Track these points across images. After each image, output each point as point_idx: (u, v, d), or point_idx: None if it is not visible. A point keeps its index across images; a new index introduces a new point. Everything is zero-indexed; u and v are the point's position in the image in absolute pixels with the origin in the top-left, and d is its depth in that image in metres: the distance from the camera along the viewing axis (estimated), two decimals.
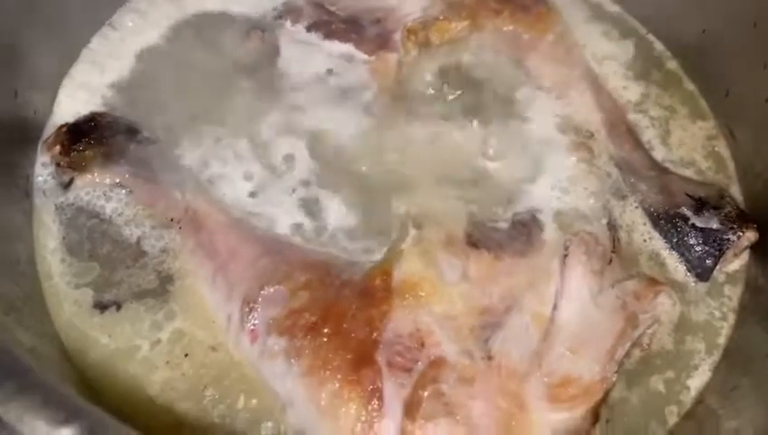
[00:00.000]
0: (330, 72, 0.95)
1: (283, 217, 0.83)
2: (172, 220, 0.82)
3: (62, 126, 0.85)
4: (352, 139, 0.89)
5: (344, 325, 0.70)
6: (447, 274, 0.76)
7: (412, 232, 0.80)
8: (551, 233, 0.82)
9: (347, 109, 0.91)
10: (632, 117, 0.95)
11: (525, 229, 0.82)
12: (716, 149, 0.92)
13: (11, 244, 0.76)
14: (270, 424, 0.71)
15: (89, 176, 0.83)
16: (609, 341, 0.73)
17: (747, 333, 0.79)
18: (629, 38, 1.02)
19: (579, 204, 0.84)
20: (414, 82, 0.94)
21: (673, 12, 0.99)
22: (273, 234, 0.82)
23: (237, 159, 0.87)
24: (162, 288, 0.79)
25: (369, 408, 0.66)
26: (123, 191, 0.83)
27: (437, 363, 0.69)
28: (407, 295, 0.73)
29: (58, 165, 0.83)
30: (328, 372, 0.68)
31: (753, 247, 0.83)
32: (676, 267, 0.83)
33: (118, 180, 0.83)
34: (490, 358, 0.70)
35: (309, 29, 0.98)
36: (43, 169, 0.84)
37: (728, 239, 0.80)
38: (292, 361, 0.70)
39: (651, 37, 1.02)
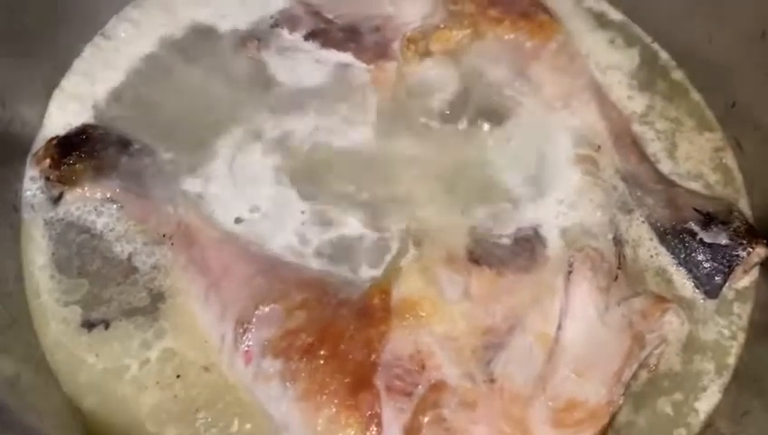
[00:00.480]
0: (328, 81, 0.92)
1: (279, 234, 0.81)
2: (164, 236, 0.79)
3: (51, 139, 0.83)
4: (351, 151, 0.86)
5: (341, 347, 0.68)
6: (448, 292, 0.74)
7: (411, 248, 0.78)
8: (555, 249, 0.80)
9: (345, 120, 0.89)
10: (637, 129, 0.92)
11: (529, 245, 0.80)
12: (724, 161, 0.90)
13: None
14: None
15: (79, 190, 0.81)
16: (616, 362, 0.71)
17: (758, 353, 0.76)
18: (634, 47, 0.99)
19: (584, 219, 0.82)
20: (414, 92, 0.91)
21: (678, 21, 0.96)
22: (267, 250, 0.79)
23: (231, 174, 0.84)
24: (153, 306, 0.76)
25: (368, 434, 0.64)
26: (114, 206, 0.81)
27: (438, 387, 0.66)
28: (406, 315, 0.71)
29: (47, 179, 0.81)
30: (324, 397, 0.65)
31: (764, 263, 0.80)
32: (684, 284, 0.81)
33: (109, 195, 0.81)
34: (492, 381, 0.68)
35: (306, 38, 0.95)
36: (31, 184, 0.82)
37: (737, 255, 0.78)
38: (288, 384, 0.67)
39: (656, 46, 0.99)
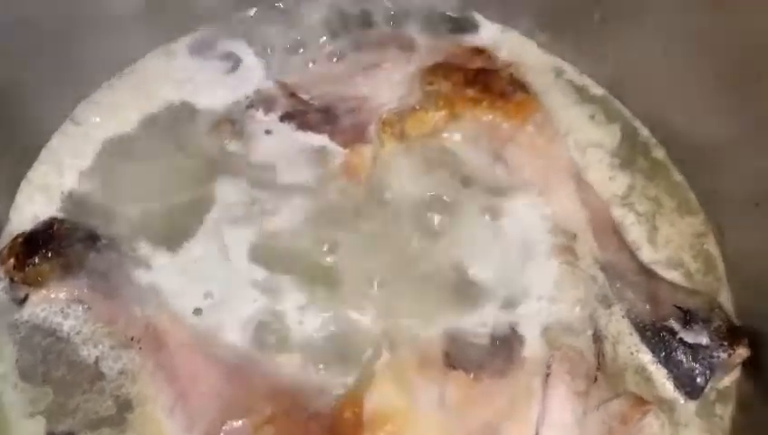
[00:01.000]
0: (303, 164, 0.90)
1: (245, 329, 0.79)
2: (132, 339, 0.78)
3: (16, 236, 0.81)
4: (323, 240, 0.84)
5: None
6: (423, 401, 0.72)
7: (385, 351, 0.76)
8: (533, 347, 0.79)
9: (318, 207, 0.87)
10: (617, 212, 0.90)
11: (506, 345, 0.79)
12: (705, 247, 0.89)
13: None
14: None
15: (45, 291, 0.79)
16: None
17: None
18: (615, 123, 0.98)
19: (564, 314, 0.80)
20: (389, 177, 0.90)
21: (660, 97, 0.95)
22: (236, 353, 0.77)
23: (198, 266, 0.82)
24: (120, 416, 0.74)
25: None
26: (81, 308, 0.79)
27: None
28: (378, 431, 0.69)
29: (12, 280, 0.79)
30: None
31: (745, 362, 0.78)
32: (664, 384, 0.79)
33: (76, 295, 0.79)
34: None
35: (282, 119, 0.94)
36: None
37: (718, 357, 0.76)
38: None
39: (638, 123, 0.98)
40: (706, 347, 0.77)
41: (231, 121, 0.93)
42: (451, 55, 0.98)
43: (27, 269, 0.79)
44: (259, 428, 0.70)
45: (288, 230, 0.86)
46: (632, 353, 0.81)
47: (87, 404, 0.75)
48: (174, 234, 0.85)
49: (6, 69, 0.80)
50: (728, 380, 0.79)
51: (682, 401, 0.78)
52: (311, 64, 0.98)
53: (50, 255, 0.80)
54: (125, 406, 0.75)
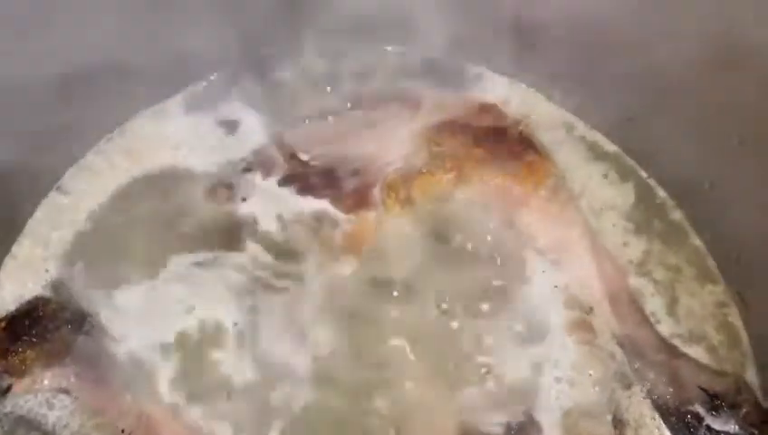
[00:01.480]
0: (303, 231, 0.85)
1: (249, 421, 0.73)
2: (123, 432, 0.72)
3: None
4: (325, 323, 0.79)
5: None
6: None
7: None
8: None
9: (320, 283, 0.82)
10: (635, 281, 0.86)
11: (522, 434, 0.73)
12: (729, 319, 0.84)
13: None
14: None
15: (29, 380, 0.74)
16: None
17: None
18: (629, 181, 0.94)
19: (582, 398, 0.77)
20: (395, 247, 0.84)
21: (674, 155, 0.90)
22: None
23: (200, 350, 0.77)
24: None
25: None
26: (68, 398, 0.73)
27: None
28: None
29: None
30: None
31: None
32: None
33: (62, 384, 0.74)
34: None
35: (281, 183, 0.89)
36: None
37: None
38: None
39: (652, 182, 0.93)
40: None
41: (228, 186, 0.88)
42: (458, 113, 0.94)
43: (10, 358, 0.74)
44: None
45: (286, 310, 0.80)
46: None
47: None
48: (167, 310, 0.80)
49: None
50: None
51: None
52: (311, 122, 0.94)
53: (35, 340, 0.75)
54: None
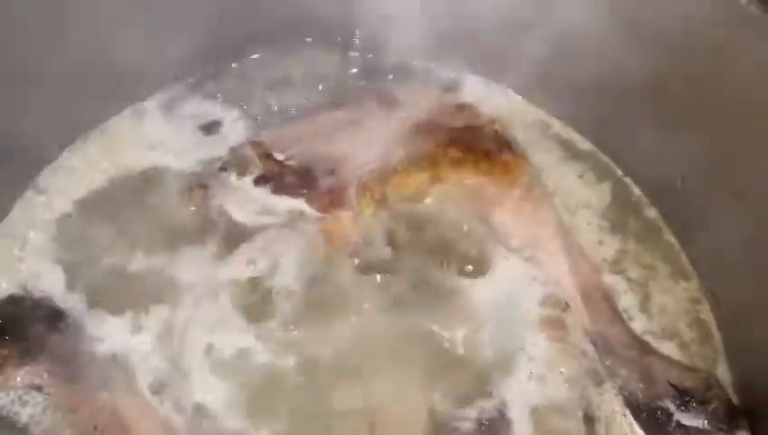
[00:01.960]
0: (277, 230, 0.86)
1: (224, 418, 0.73)
2: (96, 428, 0.73)
3: None
4: (298, 315, 0.79)
5: None
6: None
7: None
8: (521, 432, 0.74)
9: (293, 277, 0.82)
10: (608, 279, 0.87)
11: (493, 429, 0.75)
12: (701, 315, 0.85)
13: None
14: None
15: (1, 378, 0.74)
16: None
17: None
18: (605, 181, 0.95)
19: (553, 394, 0.77)
20: (369, 246, 0.85)
21: (649, 154, 0.91)
22: None
23: (170, 348, 0.78)
24: None
25: None
26: (41, 395, 0.74)
27: None
28: None
29: None
30: None
31: None
32: None
33: (35, 381, 0.74)
34: None
35: (257, 182, 0.89)
36: None
37: None
38: None
39: (628, 180, 0.94)
40: (704, 431, 0.74)
41: (203, 186, 0.88)
42: (433, 112, 0.94)
43: None
44: None
45: (259, 307, 0.81)
46: None
47: None
48: (142, 306, 0.80)
49: None
50: None
51: None
52: (287, 122, 0.94)
53: (7, 338, 0.75)
54: None
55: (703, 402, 0.75)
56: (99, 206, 0.87)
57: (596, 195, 0.93)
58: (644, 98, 0.88)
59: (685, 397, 0.76)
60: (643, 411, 0.77)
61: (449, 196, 0.88)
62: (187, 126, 0.93)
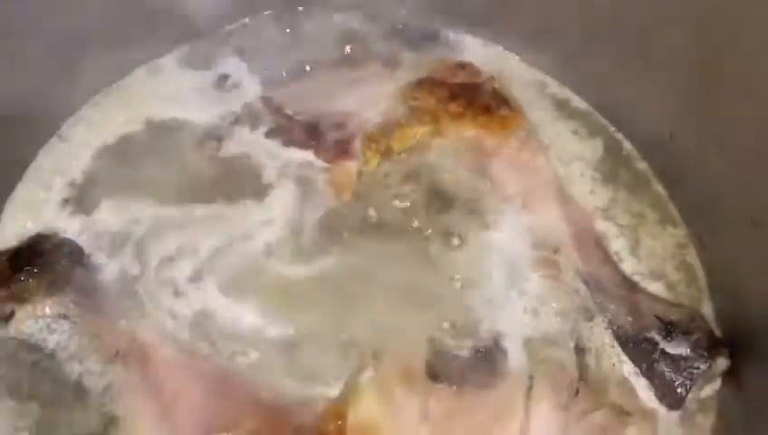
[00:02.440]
0: (287, 181, 0.91)
1: (234, 344, 0.78)
2: (117, 353, 0.78)
3: (2, 253, 0.81)
4: (307, 254, 0.85)
5: None
6: (407, 414, 0.73)
7: (370, 362, 0.77)
8: (516, 361, 0.79)
9: (303, 221, 0.87)
10: (600, 225, 0.91)
11: (488, 357, 0.79)
12: (687, 259, 0.89)
13: None
14: None
15: (31, 307, 0.79)
16: None
17: None
18: (597, 136, 0.99)
19: (546, 327, 0.81)
20: (373, 193, 0.90)
21: (640, 111, 0.96)
22: (222, 367, 0.77)
23: (188, 284, 0.83)
24: (105, 431, 0.75)
25: None
26: (67, 322, 0.79)
27: None
28: None
29: None
30: None
31: (726, 373, 0.79)
32: (647, 394, 0.79)
33: (62, 311, 0.79)
34: None
35: (268, 135, 0.95)
36: None
37: (699, 368, 0.77)
38: None
39: (620, 136, 0.99)
40: (687, 358, 0.78)
41: (217, 138, 0.93)
42: (434, 70, 0.99)
43: (13, 286, 0.79)
44: None
45: (271, 245, 0.86)
46: (614, 365, 0.81)
47: (73, 420, 0.75)
48: (159, 249, 0.85)
49: None
50: (709, 390, 0.80)
51: (664, 412, 0.79)
52: (296, 80, 0.99)
53: (36, 271, 0.80)
54: (111, 422, 0.75)
55: (686, 333, 0.79)
56: (117, 155, 0.92)
57: (589, 149, 0.98)
58: (634, 57, 0.92)
59: (670, 328, 0.80)
60: (630, 342, 0.81)
61: (449, 148, 0.93)
62: (202, 82, 0.98)
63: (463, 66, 1.00)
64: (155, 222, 0.87)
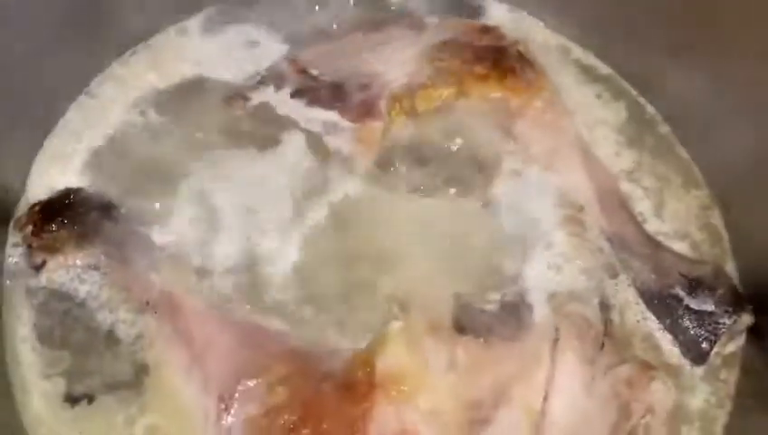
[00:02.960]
0: (313, 141, 0.91)
1: (264, 296, 0.80)
2: (147, 304, 0.79)
3: (34, 205, 0.82)
4: (336, 212, 0.86)
5: (324, 426, 0.68)
6: (434, 363, 0.74)
7: (397, 313, 0.77)
8: (541, 315, 0.80)
9: (330, 181, 0.88)
10: (625, 186, 0.92)
11: (515, 311, 0.80)
12: (711, 220, 0.90)
13: None
14: None
15: (62, 257, 0.80)
16: None
17: (744, 423, 0.76)
18: (621, 101, 0.99)
19: (571, 283, 0.82)
20: (400, 152, 0.91)
21: (663, 76, 0.96)
22: (251, 318, 0.78)
23: (218, 235, 0.84)
24: (137, 379, 0.76)
25: None
26: (97, 273, 0.80)
27: None
28: (391, 390, 0.70)
29: (30, 247, 0.80)
30: None
31: (750, 329, 0.80)
32: (671, 350, 0.80)
33: (92, 262, 0.80)
34: None
35: (293, 95, 0.95)
36: (13, 250, 0.81)
37: (723, 323, 0.78)
38: None
39: (643, 100, 0.99)
40: (711, 314, 0.79)
41: (243, 97, 0.94)
42: (460, 33, 0.99)
43: (44, 236, 0.80)
44: (273, 387, 0.71)
45: (300, 203, 0.87)
46: (638, 321, 0.82)
47: (104, 368, 0.77)
48: (187, 207, 0.86)
49: (23, 41, 0.81)
50: (733, 346, 0.81)
51: (688, 367, 0.80)
52: (322, 42, 0.99)
53: (66, 222, 0.81)
54: (142, 369, 0.76)
55: (711, 289, 0.80)
56: (146, 113, 0.93)
57: (612, 113, 0.98)
58: (657, 22, 0.93)
59: (694, 284, 0.80)
60: (654, 299, 0.82)
61: (474, 108, 0.93)
62: (228, 44, 0.99)
63: (488, 30, 1.00)
64: (183, 175, 0.88)
